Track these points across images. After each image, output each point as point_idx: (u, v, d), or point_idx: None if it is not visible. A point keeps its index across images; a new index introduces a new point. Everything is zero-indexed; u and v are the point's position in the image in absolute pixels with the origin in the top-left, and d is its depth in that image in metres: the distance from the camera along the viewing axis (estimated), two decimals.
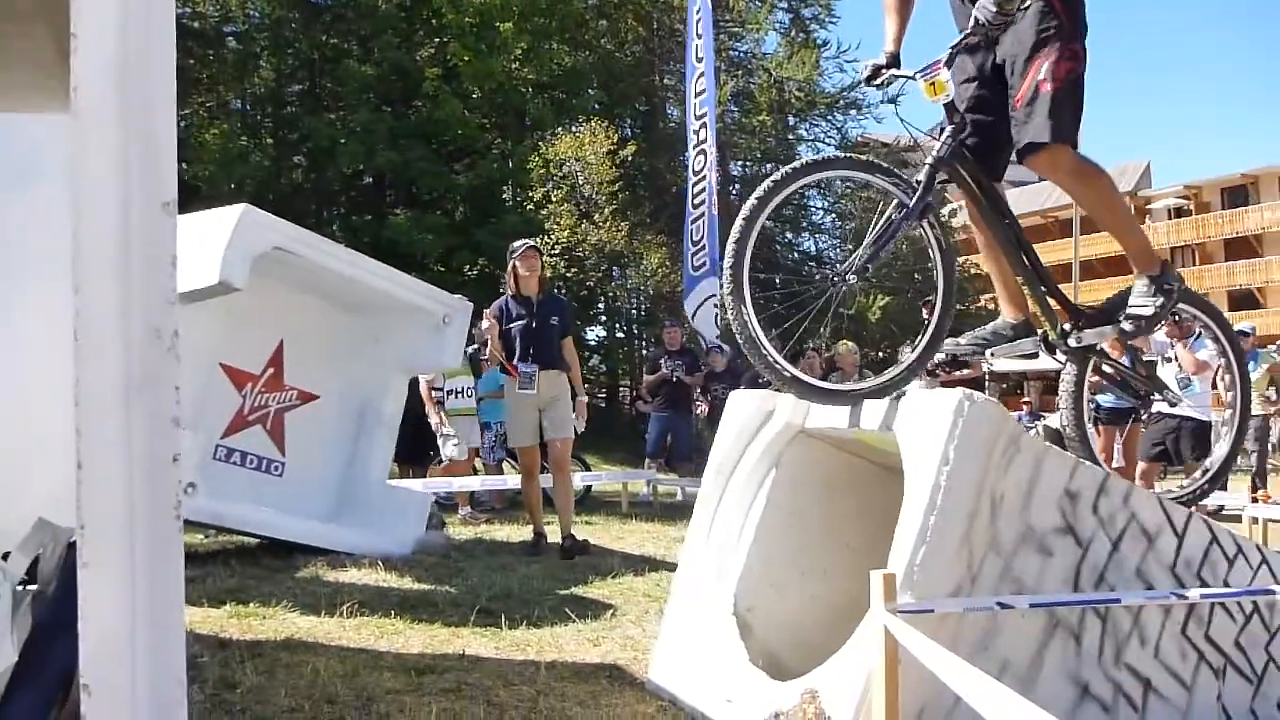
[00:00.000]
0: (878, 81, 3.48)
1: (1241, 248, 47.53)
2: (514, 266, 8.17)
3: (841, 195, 29.50)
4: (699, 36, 18.57)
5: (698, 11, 18.50)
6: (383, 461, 7.70)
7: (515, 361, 7.80)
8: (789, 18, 30.22)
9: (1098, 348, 3.67)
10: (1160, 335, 9.04)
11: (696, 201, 18.08)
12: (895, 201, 3.30)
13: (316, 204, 29.83)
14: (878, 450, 3.62)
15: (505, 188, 27.26)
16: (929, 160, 3.31)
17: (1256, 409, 11.15)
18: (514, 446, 8.58)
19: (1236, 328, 11.60)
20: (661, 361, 13.50)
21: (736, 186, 29.00)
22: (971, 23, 3.14)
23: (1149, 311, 3.48)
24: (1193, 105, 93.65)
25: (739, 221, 3.20)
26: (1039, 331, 3.66)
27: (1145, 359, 4.04)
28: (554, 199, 23.25)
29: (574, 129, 25.02)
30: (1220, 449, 3.93)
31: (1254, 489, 10.77)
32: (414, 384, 10.30)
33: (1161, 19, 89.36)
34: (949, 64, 3.26)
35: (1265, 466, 12.23)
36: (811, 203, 31.24)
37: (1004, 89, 3.38)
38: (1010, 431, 3.01)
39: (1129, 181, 50.75)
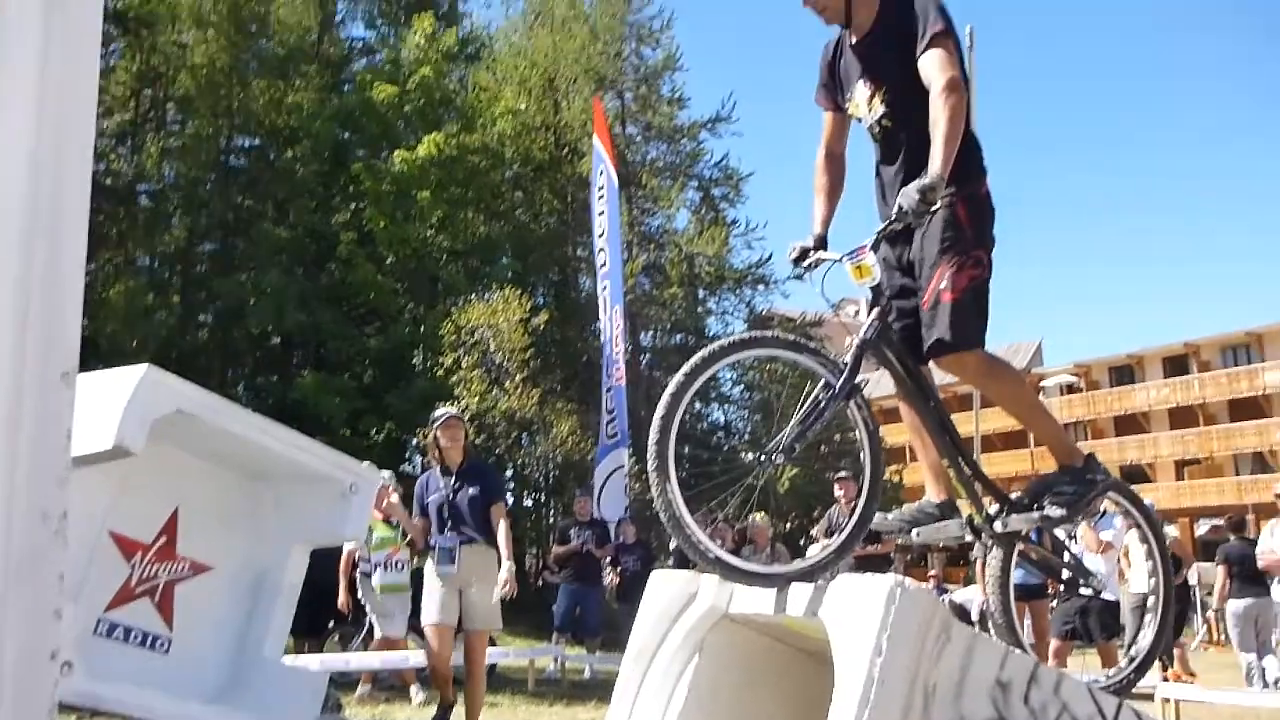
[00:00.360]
0: (805, 263, 3.50)
1: (1130, 424, 49.44)
2: (435, 438, 7.71)
3: (750, 368, 30.00)
4: (600, 213, 19.11)
5: (600, 188, 19.08)
6: (278, 638, 7.24)
7: (435, 535, 7.38)
8: (699, 196, 31.31)
9: (1024, 533, 3.63)
10: None
11: (614, 371, 18.24)
12: (822, 382, 3.27)
13: (222, 364, 29.35)
14: (804, 636, 3.50)
15: (416, 353, 27.19)
16: (856, 342, 3.30)
17: None
18: (425, 625, 7.59)
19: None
20: (571, 532, 13.27)
21: (646, 356, 29.37)
22: (895, 210, 3.16)
23: (1073, 501, 3.49)
24: (1081, 288, 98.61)
25: (665, 397, 3.13)
26: (964, 515, 3.62)
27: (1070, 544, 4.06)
28: (464, 365, 23.20)
29: (487, 296, 25.22)
30: (1146, 637, 3.89)
31: (1164, 668, 10.80)
32: (316, 553, 9.92)
33: (1054, 209, 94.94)
34: (875, 248, 3.29)
35: (1173, 644, 12.32)
36: (721, 374, 31.71)
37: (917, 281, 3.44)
38: (942, 619, 2.93)
39: (1022, 360, 52.72)
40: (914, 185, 3.05)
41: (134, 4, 29.70)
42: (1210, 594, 25.95)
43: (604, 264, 18.99)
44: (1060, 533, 9.13)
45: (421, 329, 26.49)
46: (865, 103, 3.49)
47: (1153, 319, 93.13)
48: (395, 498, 8.03)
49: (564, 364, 27.75)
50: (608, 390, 18.25)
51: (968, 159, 3.35)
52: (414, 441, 24.89)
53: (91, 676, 5.63)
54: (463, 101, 30.83)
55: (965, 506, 3.71)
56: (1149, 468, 47.90)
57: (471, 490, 7.45)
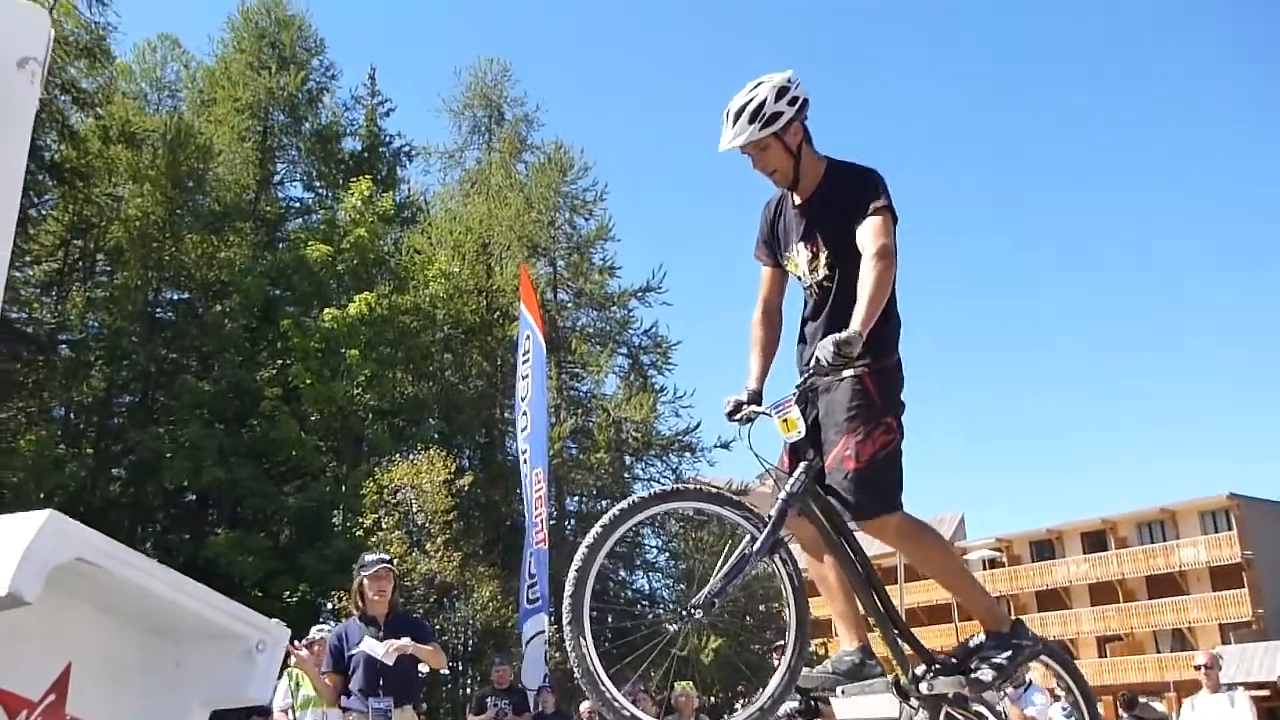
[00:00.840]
0: (738, 416, 3.49)
1: (1052, 599, 49.81)
2: (361, 584, 7.04)
3: (675, 535, 29.82)
4: (525, 377, 19.18)
5: (526, 352, 19.22)
6: None
7: (361, 696, 6.66)
8: (628, 362, 31.68)
9: (950, 696, 3.57)
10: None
11: (536, 536, 17.99)
12: (746, 536, 3.24)
13: (131, 519, 28.40)
14: None
15: (336, 512, 26.62)
16: (781, 496, 3.27)
17: None
18: None
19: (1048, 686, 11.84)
20: (488, 700, 12.80)
21: (571, 521, 29.06)
22: (813, 362, 3.18)
23: (1002, 665, 3.47)
24: (1001, 461, 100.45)
25: (582, 549, 3.09)
26: (890, 675, 3.55)
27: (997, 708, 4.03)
28: (385, 525, 22.70)
29: (412, 457, 24.92)
30: None
31: None
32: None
33: (975, 380, 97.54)
34: (799, 401, 3.32)
35: None
36: (646, 541, 31.44)
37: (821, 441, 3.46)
38: None
39: (946, 532, 53.18)
40: (830, 339, 3.09)
41: (71, 156, 29.85)
42: None
43: (525, 427, 18.99)
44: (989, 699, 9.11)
45: (343, 488, 26.04)
46: (805, 263, 3.58)
47: (1071, 493, 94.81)
48: (303, 652, 7.51)
49: (487, 528, 27.35)
50: (530, 554, 17.96)
51: (885, 332, 3.41)
52: (328, 606, 24.09)
53: None
54: (396, 263, 31.21)
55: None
56: (1072, 643, 47.98)
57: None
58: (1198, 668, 9.14)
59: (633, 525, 3.21)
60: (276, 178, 35.60)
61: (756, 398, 3.53)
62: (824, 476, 3.44)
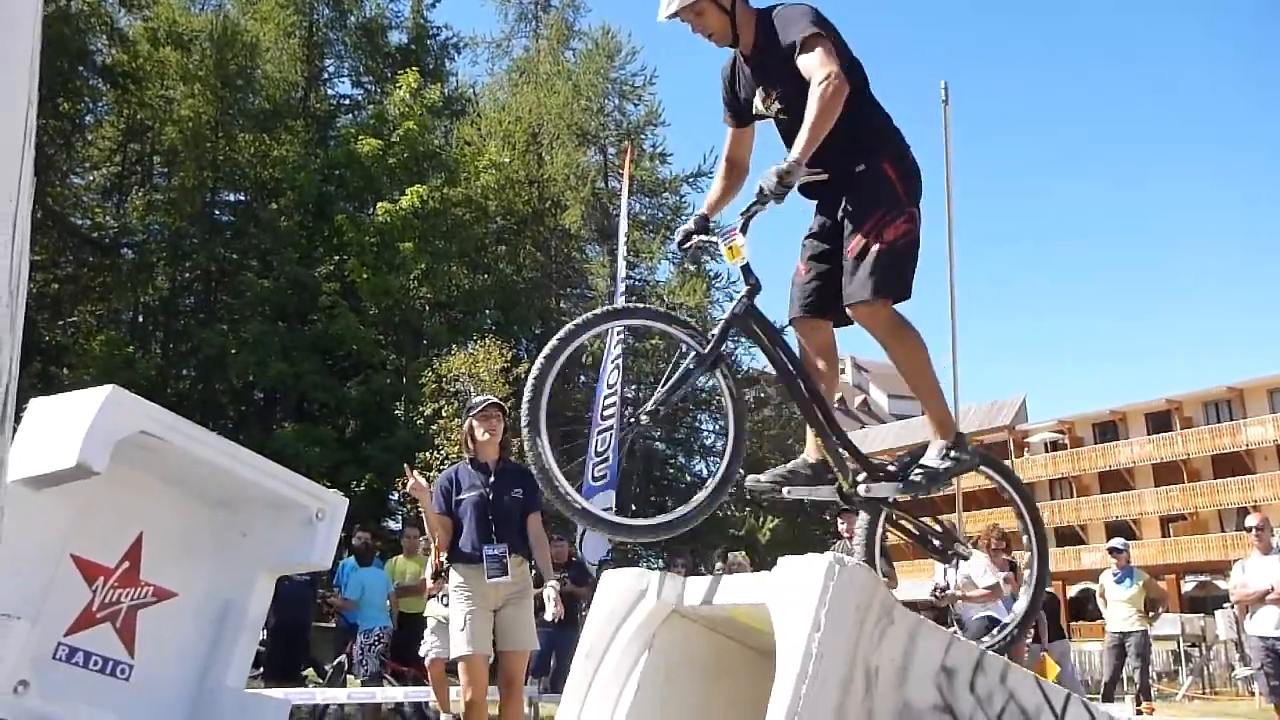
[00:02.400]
0: (686, 245, 3.69)
1: (1115, 480, 49.48)
2: (470, 427, 6.72)
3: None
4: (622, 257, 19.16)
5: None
6: (241, 667, 7.09)
7: (473, 542, 6.39)
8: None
9: (890, 500, 3.72)
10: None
11: (606, 414, 18.14)
12: (692, 353, 3.44)
13: (202, 416, 29.15)
14: (755, 631, 3.50)
15: (397, 404, 27.16)
16: (725, 317, 3.49)
17: (1135, 624, 11.33)
18: (457, 656, 6.48)
19: (1110, 544, 11.95)
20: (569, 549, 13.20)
21: (631, 408, 29.36)
22: (756, 191, 3.32)
23: (936, 469, 3.63)
24: (1063, 344, 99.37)
25: (540, 360, 3.29)
26: (835, 481, 3.70)
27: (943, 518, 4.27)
28: (445, 414, 23.13)
29: (469, 347, 25.24)
30: (1021, 603, 3.99)
31: (1138, 703, 10.83)
32: (287, 598, 9.78)
33: (1037, 266, 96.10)
34: (744, 230, 3.46)
35: (1148, 682, 12.30)
36: (703, 426, 31.77)
37: (838, 247, 3.60)
38: (883, 600, 2.94)
39: (1006, 416, 52.91)
40: (772, 168, 3.24)
41: (122, 60, 30.03)
42: (1195, 646, 25.96)
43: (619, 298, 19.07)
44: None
45: (404, 379, 26.49)
46: (763, 104, 3.73)
47: (1135, 375, 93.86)
48: (423, 480, 7.32)
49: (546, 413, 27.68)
50: (599, 432, 18.16)
51: (888, 129, 3.63)
52: (394, 496, 24.77)
53: (47, 698, 5.55)
54: (447, 156, 31.15)
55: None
56: (1134, 524, 47.84)
57: (514, 492, 6.49)
58: (1248, 529, 9.12)
59: (587, 338, 3.43)
60: (324, 74, 35.50)
61: (704, 225, 3.70)
62: (820, 278, 3.66)
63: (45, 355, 26.60)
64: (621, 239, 19.46)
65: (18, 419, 6.49)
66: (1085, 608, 41.79)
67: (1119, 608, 11.50)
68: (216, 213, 32.21)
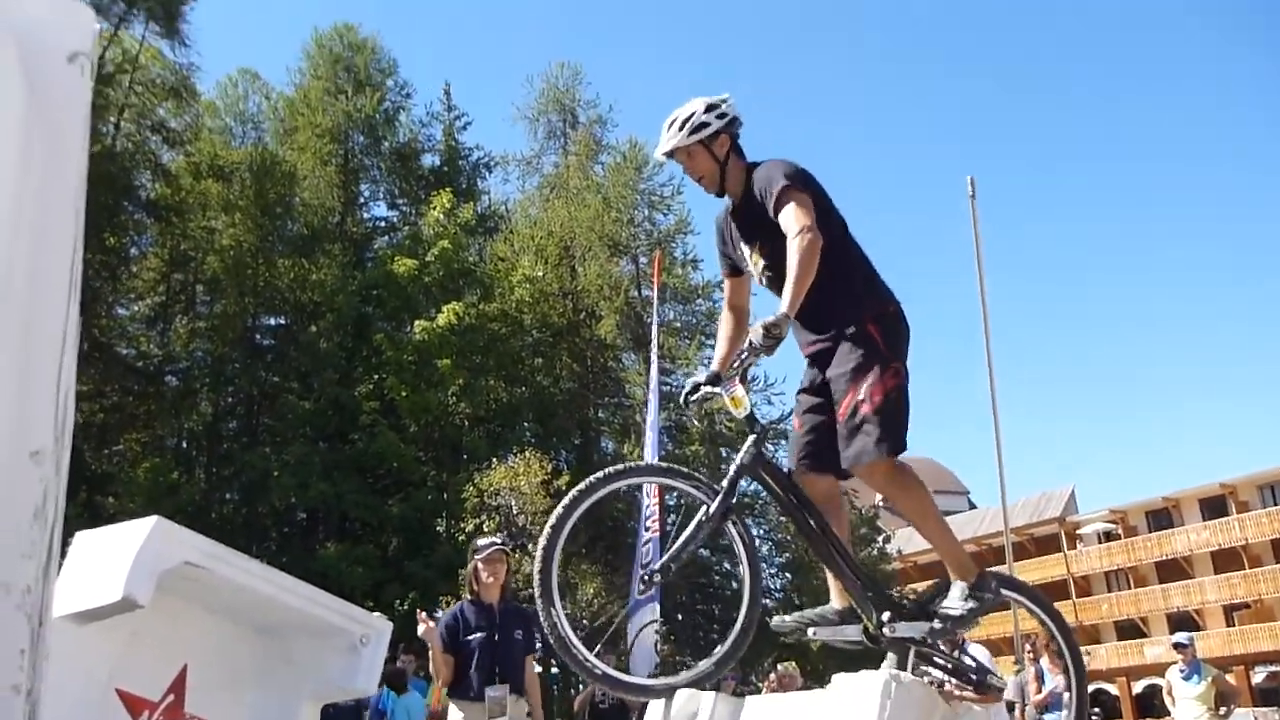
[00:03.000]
0: (694, 397, 3.81)
1: (1173, 570, 48.15)
2: (475, 568, 6.97)
3: (775, 524, 29.72)
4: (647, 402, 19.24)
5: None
6: None
7: (478, 682, 6.59)
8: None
9: (916, 639, 3.67)
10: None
11: (649, 524, 18.05)
12: (702, 505, 3.51)
13: (246, 539, 29.28)
14: None
15: (439, 520, 27.13)
16: (733, 466, 3.55)
17: None
18: None
19: (1174, 638, 11.61)
20: (597, 688, 12.93)
21: (672, 516, 29.14)
22: (746, 345, 3.43)
23: (959, 613, 3.59)
24: (1110, 432, 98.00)
25: (547, 529, 3.33)
26: (861, 622, 3.71)
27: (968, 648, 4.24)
28: (487, 529, 23.05)
29: (509, 460, 25.28)
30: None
31: None
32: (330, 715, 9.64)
33: (1077, 358, 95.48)
34: (741, 380, 3.59)
35: None
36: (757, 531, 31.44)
37: (830, 400, 3.68)
38: (943, 715, 2.85)
39: (1056, 508, 51.96)
40: (759, 322, 3.34)
41: (165, 194, 31.00)
42: None
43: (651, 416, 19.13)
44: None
45: (444, 495, 26.53)
46: (750, 260, 3.87)
47: (1186, 460, 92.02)
48: (431, 623, 7.52)
49: (588, 526, 27.52)
50: (644, 544, 18.02)
51: (868, 288, 3.75)
52: (438, 613, 24.57)
53: None
54: (481, 272, 31.69)
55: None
56: (1197, 614, 46.41)
57: (516, 634, 6.77)
58: None
59: (594, 502, 3.47)
60: (360, 198, 36.47)
61: (715, 380, 3.76)
62: (815, 431, 3.71)
63: (91, 484, 26.90)
64: (654, 346, 19.60)
65: (63, 553, 6.52)
66: (1152, 704, 40.36)
67: (1188, 706, 11.10)
68: (257, 337, 32.81)
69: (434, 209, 31.18)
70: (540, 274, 32.24)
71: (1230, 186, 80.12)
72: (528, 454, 24.36)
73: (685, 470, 3.69)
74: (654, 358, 19.50)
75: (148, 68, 31.34)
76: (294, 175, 32.80)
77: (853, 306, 3.62)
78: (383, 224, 36.97)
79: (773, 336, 3.31)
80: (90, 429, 29.87)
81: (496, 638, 6.66)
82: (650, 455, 18.61)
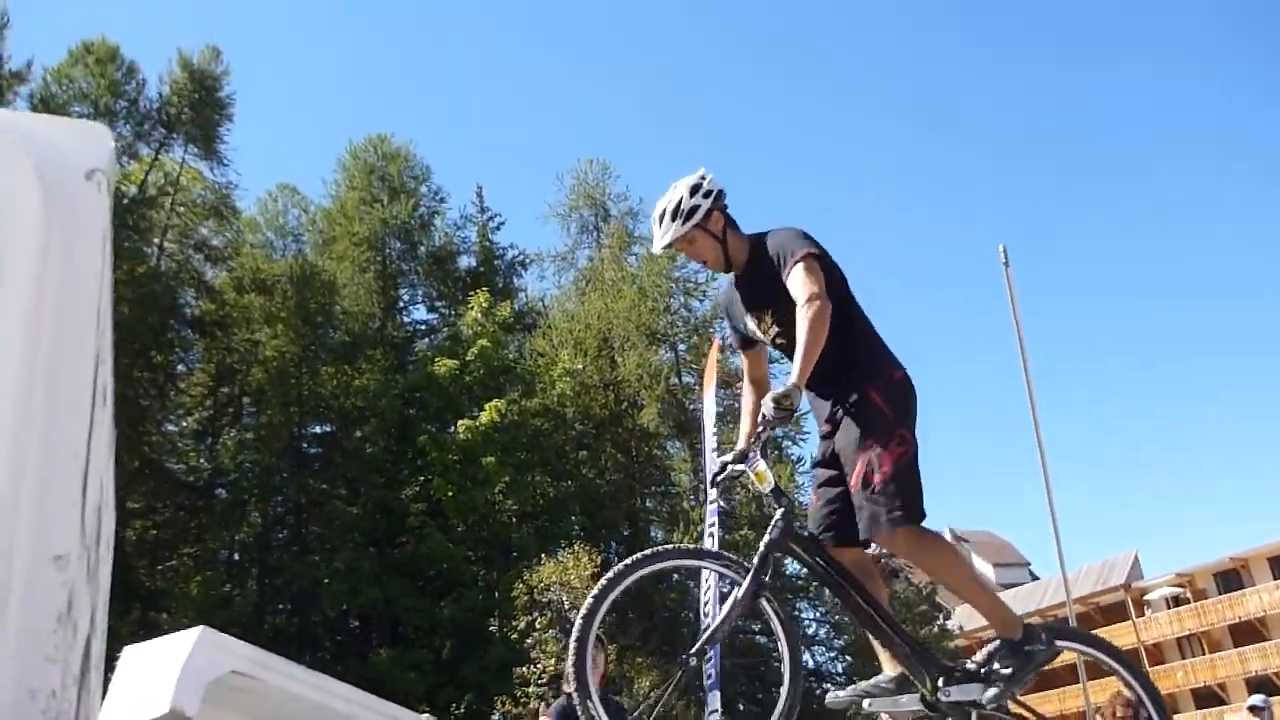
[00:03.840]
0: (722, 477, 3.76)
1: (1247, 632, 46.59)
2: None
3: (833, 605, 29.15)
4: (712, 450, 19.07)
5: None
6: None
7: None
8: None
9: (981, 703, 3.54)
10: None
11: (706, 611, 17.76)
12: (734, 586, 3.48)
13: (298, 648, 29.17)
14: None
15: (491, 620, 26.91)
16: (763, 544, 3.50)
17: None
18: None
19: (1249, 701, 11.18)
20: None
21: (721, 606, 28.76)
22: (760, 418, 3.39)
23: (1009, 672, 3.52)
24: (1173, 494, 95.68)
25: (579, 621, 3.31)
26: (917, 690, 3.61)
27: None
28: (539, 626, 22.82)
29: (558, 555, 25.13)
30: None
31: None
32: None
33: (1129, 420, 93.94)
34: (762, 454, 3.57)
35: None
36: (803, 614, 30.87)
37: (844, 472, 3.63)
38: None
39: (1120, 575, 50.63)
40: (769, 395, 3.33)
41: (210, 310, 31.68)
42: None
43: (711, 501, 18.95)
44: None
45: (495, 594, 26.36)
46: (759, 327, 3.84)
47: (1250, 518, 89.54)
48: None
49: (641, 618, 27.19)
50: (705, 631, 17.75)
51: (872, 355, 3.71)
52: (494, 716, 24.28)
53: None
54: (522, 369, 31.90)
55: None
56: (1277, 677, 44.73)
57: None
58: None
59: (622, 590, 3.43)
60: (399, 303, 37.03)
61: (743, 456, 3.71)
62: (834, 503, 3.66)
63: (144, 601, 27.01)
64: (707, 432, 19.47)
65: (112, 667, 6.53)
66: None
67: None
68: (304, 446, 33.10)
69: (472, 309, 31.57)
70: (580, 367, 32.40)
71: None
72: (576, 548, 24.20)
73: (714, 551, 3.68)
74: (707, 443, 19.43)
75: (189, 189, 32.33)
76: (334, 284, 33.42)
77: (858, 375, 3.59)
78: (422, 327, 37.50)
79: (784, 408, 3.30)
80: (143, 545, 30.13)
81: None
82: (711, 542, 18.39)
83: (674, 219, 3.70)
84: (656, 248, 3.84)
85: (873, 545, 3.65)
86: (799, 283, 3.49)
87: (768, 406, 3.32)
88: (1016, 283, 15.33)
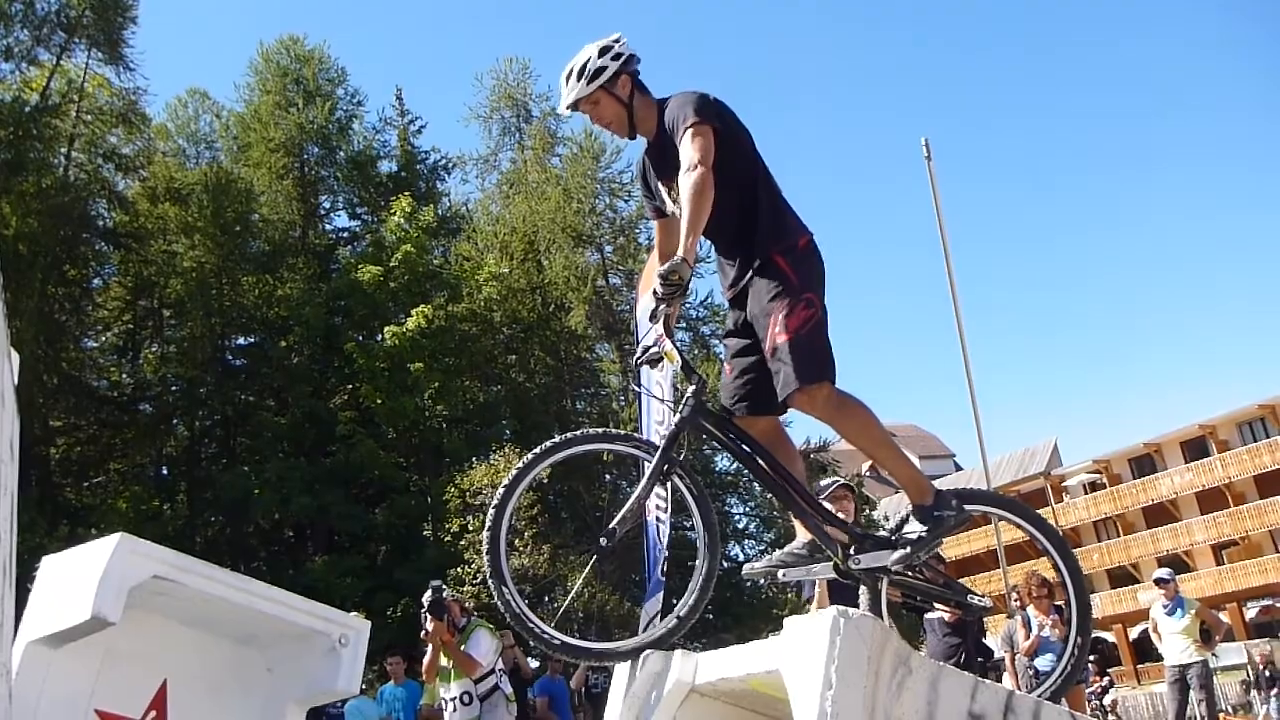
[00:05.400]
0: (642, 359, 3.74)
1: (1160, 514, 48.59)
2: None
3: (759, 500, 29.77)
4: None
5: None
6: None
7: None
8: (689, 336, 31.67)
9: (888, 567, 3.62)
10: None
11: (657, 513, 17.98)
12: (646, 465, 3.50)
13: (233, 560, 29.14)
14: (775, 701, 3.41)
15: (425, 524, 27.05)
16: (673, 421, 3.53)
17: (1194, 655, 11.03)
18: None
19: (1155, 574, 11.72)
20: (588, 673, 13.05)
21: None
22: (652, 294, 3.42)
23: (918, 536, 3.58)
24: (1087, 383, 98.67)
25: (490, 510, 3.34)
26: (829, 559, 3.67)
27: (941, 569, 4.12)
28: (471, 529, 23.03)
29: (489, 459, 25.23)
30: (1068, 647, 3.78)
31: None
32: None
33: (1047, 311, 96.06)
34: (668, 334, 3.58)
35: (1216, 715, 11.92)
36: (733, 509, 31.50)
37: (757, 340, 3.64)
38: (897, 651, 2.86)
39: (1040, 463, 52.30)
40: (657, 271, 3.34)
41: (123, 221, 30.71)
42: (1270, 674, 25.18)
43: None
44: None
45: (428, 499, 26.47)
46: (667, 196, 3.79)
47: (1164, 405, 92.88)
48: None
49: (573, 517, 27.56)
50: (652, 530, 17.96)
51: (778, 222, 3.66)
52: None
53: None
54: (447, 274, 31.54)
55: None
56: (1186, 555, 46.85)
57: None
58: None
59: (533, 478, 3.51)
60: (320, 210, 36.21)
61: (655, 339, 3.72)
62: (749, 372, 3.68)
63: (72, 518, 26.67)
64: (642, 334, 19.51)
65: (32, 578, 6.48)
66: (1149, 648, 40.52)
67: (1174, 640, 11.20)
68: (228, 358, 32.59)
69: (394, 214, 31.03)
70: (506, 270, 32.17)
71: (1196, 128, 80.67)
72: (507, 450, 24.33)
73: (622, 433, 3.69)
74: (639, 337, 19.46)
75: (94, 96, 31.00)
76: (251, 192, 32.55)
77: (761, 241, 3.57)
78: (345, 234, 36.75)
79: (671, 284, 3.30)
80: (69, 463, 29.62)
81: None
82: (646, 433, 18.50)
83: (580, 79, 3.65)
84: (561, 108, 3.76)
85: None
86: (684, 151, 3.45)
87: (656, 283, 3.32)
88: (938, 175, 15.44)
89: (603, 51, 3.65)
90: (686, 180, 3.37)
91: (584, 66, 3.63)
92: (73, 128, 30.00)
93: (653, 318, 3.55)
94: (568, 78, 3.67)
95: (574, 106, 3.70)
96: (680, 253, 3.31)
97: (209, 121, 36.25)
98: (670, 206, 3.80)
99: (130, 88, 31.13)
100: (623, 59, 3.67)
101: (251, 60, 35.74)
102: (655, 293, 3.36)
